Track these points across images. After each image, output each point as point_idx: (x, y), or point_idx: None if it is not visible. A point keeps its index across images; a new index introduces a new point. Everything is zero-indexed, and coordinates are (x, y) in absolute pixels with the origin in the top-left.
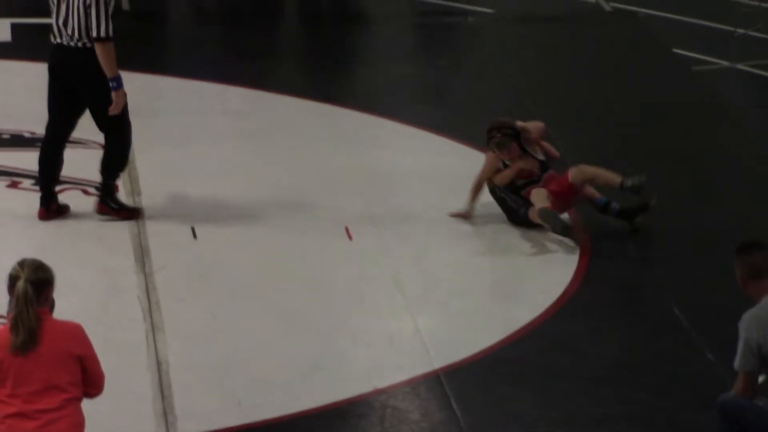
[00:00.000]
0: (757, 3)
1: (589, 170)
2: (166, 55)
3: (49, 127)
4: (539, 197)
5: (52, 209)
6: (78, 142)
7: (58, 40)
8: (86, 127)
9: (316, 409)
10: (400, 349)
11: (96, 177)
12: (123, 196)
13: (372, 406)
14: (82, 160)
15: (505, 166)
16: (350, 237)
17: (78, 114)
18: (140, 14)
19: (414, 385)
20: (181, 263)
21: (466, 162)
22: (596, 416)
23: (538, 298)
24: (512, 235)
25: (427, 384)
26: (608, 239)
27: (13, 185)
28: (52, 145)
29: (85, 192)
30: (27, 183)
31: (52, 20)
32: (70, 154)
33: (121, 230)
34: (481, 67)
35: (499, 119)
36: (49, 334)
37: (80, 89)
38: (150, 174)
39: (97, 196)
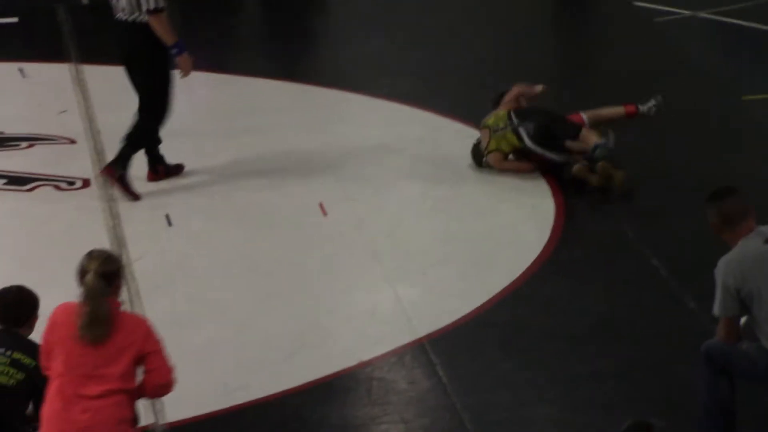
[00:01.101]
0: None
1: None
2: None
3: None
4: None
5: (159, 171)
6: (48, 139)
7: (116, 15)
8: (56, 123)
9: (303, 386)
10: (382, 320)
11: (65, 172)
12: (94, 188)
13: (358, 378)
14: (53, 156)
15: None
16: (324, 213)
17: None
18: (100, 7)
19: (399, 355)
20: (158, 251)
21: (433, 131)
22: (582, 374)
23: (517, 260)
24: (486, 199)
25: (412, 353)
26: (581, 195)
27: None
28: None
29: (57, 188)
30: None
31: None
32: (41, 150)
33: (96, 223)
34: (442, 36)
35: None
36: (114, 325)
37: (128, 60)
38: None
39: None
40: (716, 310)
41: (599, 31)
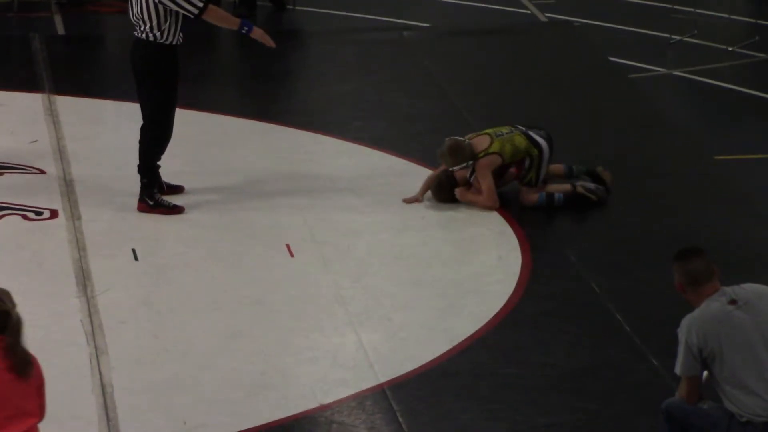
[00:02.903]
0: (691, 9)
1: None
2: (103, 79)
3: None
4: None
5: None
6: (18, 168)
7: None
8: (27, 153)
9: (262, 427)
10: (344, 364)
11: (33, 202)
12: (62, 219)
13: (317, 422)
14: (22, 186)
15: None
16: (291, 254)
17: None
18: (76, 38)
19: (359, 399)
20: (123, 285)
21: (404, 176)
22: (543, 425)
23: (482, 309)
24: (454, 248)
25: (373, 398)
26: (549, 248)
27: None
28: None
29: (25, 218)
30: None
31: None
32: (10, 179)
33: (62, 255)
34: (417, 82)
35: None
36: None
37: (135, 76)
38: (90, 197)
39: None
40: (678, 369)
41: (574, 84)
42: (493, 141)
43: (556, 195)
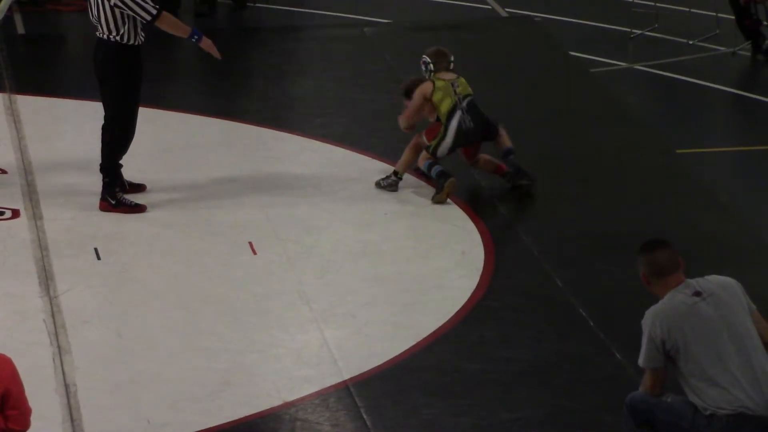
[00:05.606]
0: (652, 3)
1: None
2: (64, 78)
3: None
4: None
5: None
6: None
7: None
8: None
9: (226, 425)
10: (308, 361)
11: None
12: (24, 220)
13: (281, 419)
14: None
15: None
16: (254, 252)
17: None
18: (36, 37)
19: (323, 396)
20: (86, 285)
21: (366, 173)
22: (508, 421)
23: (445, 305)
24: (417, 243)
25: (337, 395)
26: (512, 243)
27: None
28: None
29: None
30: None
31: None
32: None
33: (24, 255)
34: (379, 78)
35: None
36: None
37: (97, 75)
38: (51, 197)
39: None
40: (641, 361)
41: (535, 79)
42: (445, 82)
43: (426, 162)
